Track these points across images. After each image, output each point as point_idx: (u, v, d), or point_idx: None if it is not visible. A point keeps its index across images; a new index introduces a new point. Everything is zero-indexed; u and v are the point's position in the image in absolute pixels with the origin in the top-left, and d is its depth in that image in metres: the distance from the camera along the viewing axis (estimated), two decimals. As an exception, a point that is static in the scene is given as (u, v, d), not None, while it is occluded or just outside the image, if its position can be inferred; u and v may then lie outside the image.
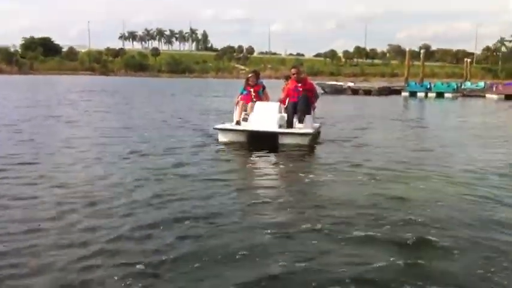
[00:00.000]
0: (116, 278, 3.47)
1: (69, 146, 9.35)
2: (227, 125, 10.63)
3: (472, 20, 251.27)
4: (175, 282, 3.44)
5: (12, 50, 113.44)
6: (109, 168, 7.23)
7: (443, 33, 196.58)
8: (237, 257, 3.86)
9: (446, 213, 5.17)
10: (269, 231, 4.44)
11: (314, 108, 11.17)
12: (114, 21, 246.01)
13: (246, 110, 10.73)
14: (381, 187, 6.34)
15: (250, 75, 11.39)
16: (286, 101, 10.76)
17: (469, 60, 56.65)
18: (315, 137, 10.71)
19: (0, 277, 3.48)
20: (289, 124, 10.41)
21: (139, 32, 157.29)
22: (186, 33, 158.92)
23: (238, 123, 10.56)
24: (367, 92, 40.48)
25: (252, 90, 11.08)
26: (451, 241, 4.27)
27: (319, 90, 41.86)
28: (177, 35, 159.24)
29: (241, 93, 11.15)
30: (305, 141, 9.92)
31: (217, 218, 4.85)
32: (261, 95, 11.16)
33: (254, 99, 10.88)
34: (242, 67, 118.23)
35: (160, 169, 7.17)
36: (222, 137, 10.25)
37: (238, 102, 11.00)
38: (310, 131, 10.25)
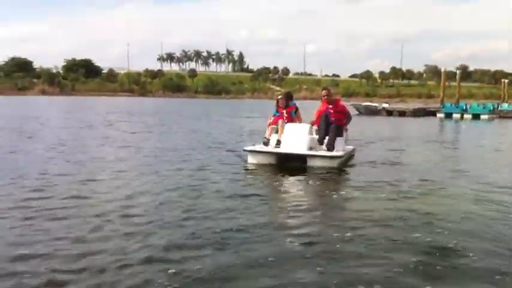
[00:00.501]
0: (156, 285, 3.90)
1: (111, 164, 9.94)
2: (257, 147, 10.66)
3: (508, 38, 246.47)
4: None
5: (54, 71, 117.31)
6: (147, 185, 7.74)
7: (481, 53, 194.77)
8: (269, 266, 4.24)
9: (471, 228, 5.56)
10: (297, 243, 4.84)
11: (346, 130, 11.21)
12: (153, 43, 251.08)
13: (276, 132, 10.81)
14: (408, 203, 6.77)
15: (279, 96, 11.53)
16: (318, 122, 10.85)
17: (506, 80, 55.71)
18: (346, 159, 10.72)
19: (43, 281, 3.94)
20: (320, 142, 10.50)
21: (177, 54, 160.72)
22: (222, 54, 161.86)
23: (266, 143, 10.69)
24: (402, 113, 40.36)
25: (284, 111, 11.11)
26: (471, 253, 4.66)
27: (353, 111, 42.30)
28: (214, 56, 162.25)
29: (274, 115, 11.23)
30: (334, 163, 9.86)
31: (248, 231, 5.23)
32: (294, 116, 11.16)
33: (286, 121, 10.88)
34: (277, 88, 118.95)
35: (192, 186, 7.61)
36: (252, 159, 10.27)
37: (270, 124, 11.12)
38: (339, 153, 10.22)
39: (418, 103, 61.28)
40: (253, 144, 11.16)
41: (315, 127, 10.88)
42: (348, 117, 11.22)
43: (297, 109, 11.35)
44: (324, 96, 10.97)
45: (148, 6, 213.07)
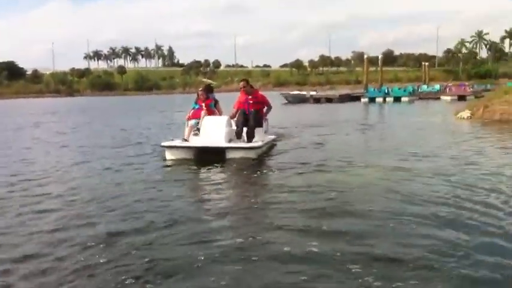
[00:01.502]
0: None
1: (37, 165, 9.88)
2: (174, 142, 10.45)
3: (432, 22, 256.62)
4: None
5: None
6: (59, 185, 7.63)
7: (406, 37, 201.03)
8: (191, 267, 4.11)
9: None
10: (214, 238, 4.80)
11: (266, 120, 11.33)
12: (78, 41, 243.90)
13: (198, 124, 10.73)
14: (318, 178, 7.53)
15: (200, 89, 11.45)
16: (237, 114, 10.82)
17: (426, 63, 58.60)
18: (267, 149, 10.82)
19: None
20: (238, 135, 10.49)
21: (105, 51, 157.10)
22: (151, 49, 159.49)
23: (185, 141, 10.43)
24: (329, 100, 41.68)
25: (203, 104, 11.06)
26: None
27: (282, 100, 43.14)
28: (143, 52, 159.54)
29: (193, 108, 11.17)
30: (253, 154, 9.86)
31: (167, 229, 5.13)
32: (213, 108, 11.18)
33: (205, 114, 10.84)
34: (209, 81, 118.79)
35: (108, 184, 7.60)
36: (170, 155, 10.07)
37: (189, 119, 11.04)
38: (258, 144, 10.16)
39: (347, 89, 63.15)
40: (172, 139, 10.90)
41: (234, 119, 10.83)
42: (268, 106, 11.30)
43: (216, 102, 11.39)
44: (241, 87, 11.02)
45: (70, 5, 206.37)
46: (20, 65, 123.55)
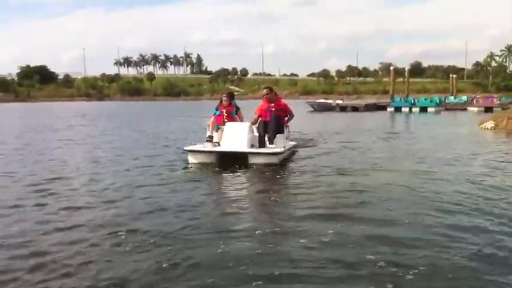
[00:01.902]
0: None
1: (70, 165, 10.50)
2: (197, 146, 10.51)
3: (462, 35, 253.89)
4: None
5: (8, 78, 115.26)
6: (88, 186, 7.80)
7: (434, 50, 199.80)
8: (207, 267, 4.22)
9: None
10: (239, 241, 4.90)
11: (287, 127, 11.37)
12: (109, 48, 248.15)
13: (217, 131, 10.76)
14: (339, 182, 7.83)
15: (223, 96, 11.48)
16: (258, 121, 10.91)
17: (454, 76, 58.35)
18: (288, 155, 10.88)
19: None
20: (261, 143, 10.48)
21: (134, 58, 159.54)
22: (180, 57, 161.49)
23: (209, 140, 10.55)
24: (355, 109, 41.80)
25: (224, 111, 11.09)
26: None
27: (308, 108, 43.37)
28: (172, 59, 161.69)
29: (214, 114, 11.19)
30: (274, 160, 9.93)
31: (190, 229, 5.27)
32: (234, 115, 11.15)
33: (226, 120, 10.91)
34: (237, 88, 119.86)
35: (128, 185, 7.72)
36: (192, 159, 10.17)
37: (211, 124, 11.07)
38: (279, 150, 10.22)
39: (374, 99, 63.05)
40: (194, 144, 10.91)
41: (255, 126, 10.87)
42: (290, 114, 11.36)
43: (238, 109, 11.33)
44: (265, 94, 11.13)
45: (100, 12, 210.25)
46: (52, 70, 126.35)
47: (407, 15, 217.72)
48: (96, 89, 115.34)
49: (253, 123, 10.89)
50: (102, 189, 7.53)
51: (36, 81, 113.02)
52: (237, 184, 8.03)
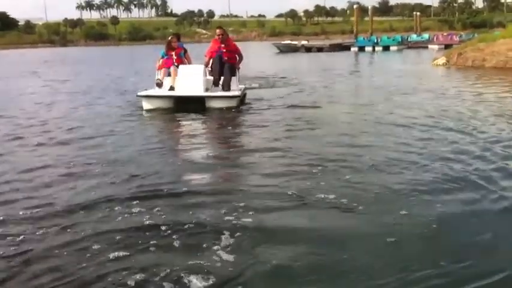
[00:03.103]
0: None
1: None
2: (151, 91, 10.16)
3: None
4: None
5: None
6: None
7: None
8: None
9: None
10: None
11: (239, 69, 11.01)
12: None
13: (169, 75, 10.40)
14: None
15: (171, 37, 11.09)
16: (210, 63, 10.60)
17: (418, 13, 58.81)
18: (242, 98, 10.66)
19: None
20: (216, 83, 10.26)
21: (97, 1, 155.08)
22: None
23: (160, 84, 10.24)
24: (320, 49, 42.29)
25: (173, 53, 10.69)
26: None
27: (275, 49, 43.63)
28: (136, 2, 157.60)
29: (162, 57, 10.76)
30: (233, 103, 9.81)
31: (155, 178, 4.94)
32: (183, 57, 10.84)
33: (176, 63, 10.51)
34: (204, 31, 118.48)
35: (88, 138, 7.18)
36: (147, 104, 9.79)
37: (160, 67, 10.67)
38: (237, 93, 10.10)
39: (341, 39, 63.40)
40: (146, 89, 10.49)
41: (208, 68, 10.61)
42: (239, 55, 10.91)
43: (185, 51, 11.03)
44: (218, 35, 10.64)
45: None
46: (12, 16, 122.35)
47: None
48: (59, 35, 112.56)
49: (206, 66, 10.58)
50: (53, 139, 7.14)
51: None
52: (195, 130, 7.85)
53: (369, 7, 49.81)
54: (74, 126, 8.15)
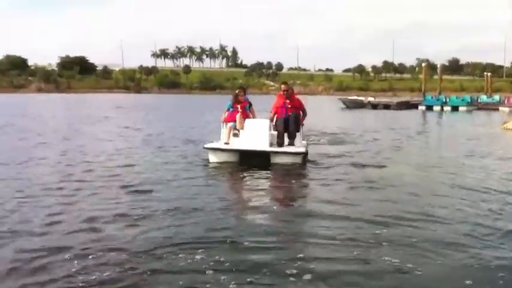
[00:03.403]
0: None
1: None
2: (217, 144, 10.30)
3: (500, 31, 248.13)
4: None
5: (49, 69, 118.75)
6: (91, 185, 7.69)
7: (473, 46, 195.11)
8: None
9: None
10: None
11: (303, 125, 10.98)
12: (146, 39, 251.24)
13: (235, 128, 10.50)
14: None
15: (238, 91, 11.17)
16: (274, 118, 10.61)
17: (489, 74, 57.73)
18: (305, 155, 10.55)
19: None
20: (280, 142, 10.24)
21: (171, 50, 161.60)
22: (216, 50, 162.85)
23: (236, 134, 10.31)
24: (387, 106, 42.13)
25: (239, 106, 10.78)
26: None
27: (341, 104, 43.85)
28: (208, 52, 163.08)
29: (228, 110, 10.89)
30: (298, 159, 9.84)
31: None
32: (248, 110, 10.95)
33: (241, 116, 10.61)
34: (271, 83, 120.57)
35: (153, 184, 7.63)
36: (213, 157, 9.96)
37: (225, 121, 10.80)
38: (303, 149, 10.14)
39: (409, 97, 63.01)
40: (212, 141, 10.71)
41: (272, 123, 10.58)
42: (303, 112, 10.98)
43: (250, 104, 11.14)
44: (283, 91, 10.75)
45: (139, 2, 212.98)
46: (91, 61, 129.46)
47: (447, 9, 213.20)
48: (134, 81, 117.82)
49: (270, 121, 10.57)
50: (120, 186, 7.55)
51: (76, 72, 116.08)
52: (261, 185, 7.99)
53: (438, 65, 49.14)
54: (141, 171, 8.83)
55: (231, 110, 10.81)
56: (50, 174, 8.54)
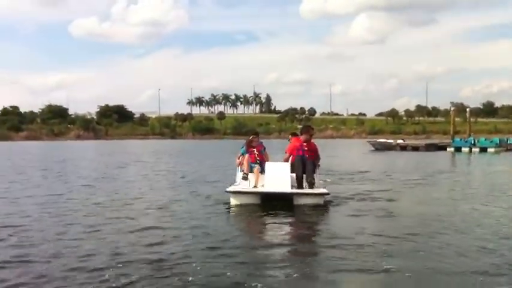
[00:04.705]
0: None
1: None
2: (239, 187, 10.37)
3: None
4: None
5: (88, 117, 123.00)
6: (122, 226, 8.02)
7: (508, 90, 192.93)
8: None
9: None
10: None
11: (318, 167, 11.07)
12: (183, 87, 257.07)
13: (251, 171, 10.59)
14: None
15: (252, 137, 11.28)
16: (290, 159, 10.72)
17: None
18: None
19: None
20: (299, 184, 10.33)
21: (206, 98, 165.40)
22: (250, 97, 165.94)
23: (246, 177, 10.43)
24: (415, 148, 42.55)
25: (255, 150, 10.99)
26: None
27: (369, 147, 44.34)
28: (242, 99, 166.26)
29: (243, 154, 11.03)
30: (320, 201, 9.88)
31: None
32: (263, 153, 11.10)
33: (258, 159, 10.83)
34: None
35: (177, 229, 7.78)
36: (235, 200, 9.99)
37: (240, 164, 10.97)
38: (325, 191, 10.12)
39: (443, 139, 62.99)
40: (230, 185, 10.89)
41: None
42: (317, 156, 11.07)
43: (264, 148, 11.27)
44: (305, 133, 10.97)
45: (178, 53, 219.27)
46: (129, 109, 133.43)
47: (480, 54, 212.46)
48: (169, 127, 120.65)
49: (285, 161, 10.78)
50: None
51: (114, 120, 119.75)
52: (283, 228, 8.11)
53: (467, 109, 49.75)
54: (166, 215, 9.10)
55: (245, 154, 10.93)
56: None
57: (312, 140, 11.17)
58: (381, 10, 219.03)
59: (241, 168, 10.87)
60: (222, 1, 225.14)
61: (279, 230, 7.91)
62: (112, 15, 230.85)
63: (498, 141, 41.43)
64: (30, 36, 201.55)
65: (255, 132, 11.61)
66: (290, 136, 11.59)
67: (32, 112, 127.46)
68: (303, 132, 11.06)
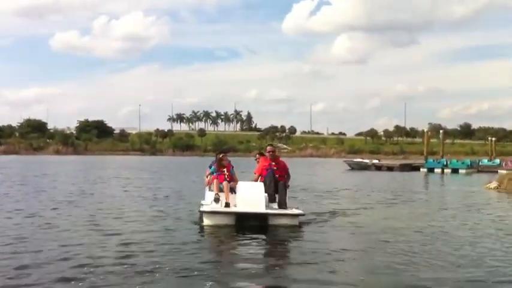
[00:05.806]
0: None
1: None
2: (212, 207, 10.08)
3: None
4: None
5: (68, 132, 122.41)
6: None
7: (487, 111, 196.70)
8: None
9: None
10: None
11: (288, 187, 10.87)
12: (163, 104, 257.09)
13: (221, 191, 10.29)
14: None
15: (221, 155, 11.09)
16: (258, 179, 10.69)
17: (494, 138, 59.84)
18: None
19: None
20: (272, 199, 10.30)
21: (187, 114, 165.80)
22: (231, 114, 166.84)
23: (217, 199, 10.13)
24: (390, 168, 43.58)
25: (225, 170, 10.74)
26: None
27: (346, 167, 45.15)
28: (223, 116, 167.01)
29: (212, 174, 10.81)
30: (296, 221, 9.85)
31: None
32: (233, 174, 10.89)
33: (227, 179, 10.49)
34: (284, 146, 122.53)
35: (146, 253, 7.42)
36: (208, 220, 9.78)
37: (209, 183, 10.78)
38: (301, 211, 10.11)
39: (421, 160, 64.18)
40: (201, 205, 10.64)
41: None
42: (287, 174, 11.06)
43: (232, 166, 11.08)
44: (268, 152, 11.02)
45: (158, 69, 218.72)
46: (109, 124, 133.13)
47: (459, 76, 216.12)
48: (149, 144, 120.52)
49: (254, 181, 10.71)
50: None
51: (94, 136, 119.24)
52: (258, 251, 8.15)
53: (441, 131, 51.24)
54: (137, 230, 9.36)
55: (215, 173, 10.75)
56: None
57: (281, 158, 11.38)
58: (363, 31, 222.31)
59: (210, 187, 10.77)
60: (204, 17, 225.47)
61: (251, 247, 8.17)
62: (93, 29, 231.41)
63: (469, 163, 42.80)
64: (10, 49, 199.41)
65: (224, 150, 11.53)
66: (258, 155, 11.63)
67: (10, 126, 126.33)
68: (268, 151, 11.16)
